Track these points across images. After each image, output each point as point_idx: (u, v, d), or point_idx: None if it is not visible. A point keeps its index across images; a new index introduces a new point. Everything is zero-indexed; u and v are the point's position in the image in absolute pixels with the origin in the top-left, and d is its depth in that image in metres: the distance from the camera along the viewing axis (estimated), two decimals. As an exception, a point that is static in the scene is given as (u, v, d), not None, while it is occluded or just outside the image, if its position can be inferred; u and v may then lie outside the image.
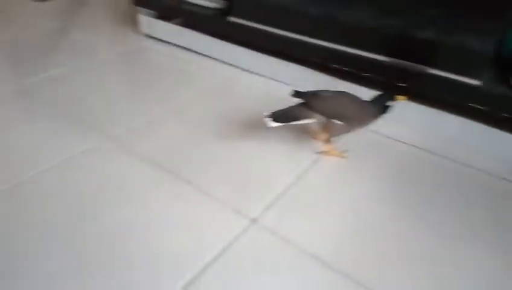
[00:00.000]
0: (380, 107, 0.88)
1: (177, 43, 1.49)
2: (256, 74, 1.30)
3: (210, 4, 1.37)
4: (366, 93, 0.90)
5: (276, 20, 1.20)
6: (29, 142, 0.96)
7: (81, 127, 1.01)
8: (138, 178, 0.85)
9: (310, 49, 1.15)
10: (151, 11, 1.54)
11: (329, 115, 0.86)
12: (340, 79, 1.11)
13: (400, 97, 0.88)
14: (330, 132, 0.90)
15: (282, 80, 1.24)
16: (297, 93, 0.87)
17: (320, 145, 0.93)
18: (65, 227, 0.73)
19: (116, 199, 0.80)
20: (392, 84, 1.02)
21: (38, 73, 1.27)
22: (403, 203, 0.80)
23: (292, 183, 0.84)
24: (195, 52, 1.44)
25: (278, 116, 0.86)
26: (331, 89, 0.91)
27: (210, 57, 1.40)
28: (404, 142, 0.98)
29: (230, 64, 1.35)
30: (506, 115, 0.90)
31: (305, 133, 0.99)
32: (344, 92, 0.90)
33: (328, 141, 0.91)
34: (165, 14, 1.52)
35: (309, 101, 0.87)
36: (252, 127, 1.02)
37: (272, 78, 1.26)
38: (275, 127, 0.85)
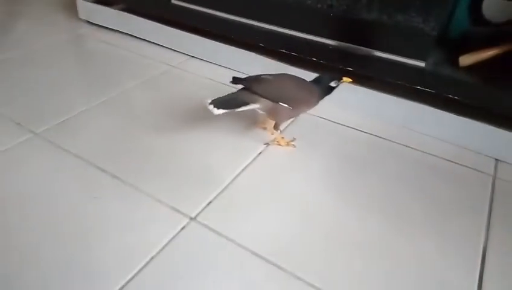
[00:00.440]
0: (324, 88, 0.85)
1: (119, 29, 1.39)
2: (203, 60, 1.23)
3: (151, -14, 1.28)
4: (312, 77, 0.86)
5: (220, 3, 1.14)
6: None
7: (6, 124, 0.91)
8: (68, 177, 0.77)
9: (256, 33, 1.09)
10: (90, -5, 1.43)
11: (275, 99, 0.82)
12: (288, 64, 1.07)
13: (345, 79, 0.85)
14: (277, 117, 0.85)
15: (230, 66, 1.18)
16: (237, 80, 0.82)
17: (268, 135, 0.89)
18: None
19: (42, 200, 0.72)
20: (337, 68, 0.99)
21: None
22: (350, 193, 0.77)
23: (236, 177, 0.79)
24: (138, 38, 1.35)
25: (220, 102, 0.79)
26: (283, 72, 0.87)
27: (154, 43, 1.32)
28: (352, 127, 0.96)
29: (176, 51, 1.28)
30: (452, 96, 0.88)
31: (253, 123, 0.94)
32: (286, 74, 0.86)
33: (276, 129, 0.87)
34: (105, -2, 1.42)
35: (251, 86, 0.82)
36: (196, 118, 0.95)
37: (220, 65, 1.20)
38: (220, 115, 0.78)
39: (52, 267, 0.61)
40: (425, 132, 0.94)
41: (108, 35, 1.38)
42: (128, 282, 0.59)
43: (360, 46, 0.96)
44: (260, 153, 0.86)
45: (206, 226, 0.69)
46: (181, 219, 0.70)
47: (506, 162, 0.86)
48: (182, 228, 0.68)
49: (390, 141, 0.92)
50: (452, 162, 0.86)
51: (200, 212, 0.71)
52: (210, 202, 0.73)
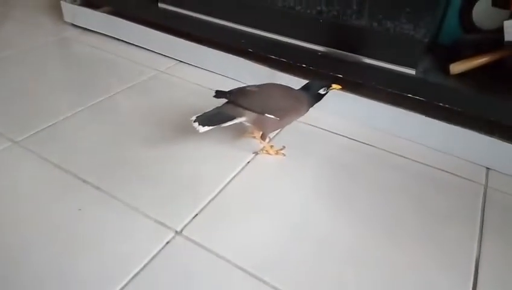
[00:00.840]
0: (313, 95, 0.83)
1: (105, 33, 1.35)
2: (192, 65, 1.21)
3: (138, -11, 1.25)
4: (302, 84, 0.85)
5: (208, 7, 1.12)
6: None
7: (-16, 133, 0.87)
8: (49, 189, 0.74)
9: (244, 39, 1.07)
10: (75, -2, 1.40)
11: (260, 110, 0.80)
12: (277, 70, 1.05)
13: (334, 86, 0.83)
14: (264, 129, 0.83)
15: (218, 71, 1.16)
16: (220, 93, 0.79)
17: (258, 145, 0.87)
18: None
19: (19, 213, 0.69)
20: (327, 75, 0.98)
21: None
22: (340, 202, 0.76)
23: (223, 188, 0.77)
24: (125, 42, 1.32)
25: (204, 119, 0.77)
26: (269, 82, 0.85)
27: (141, 48, 1.29)
28: (342, 135, 0.94)
29: (164, 55, 1.25)
30: (443, 104, 0.87)
31: (242, 132, 0.92)
32: (272, 83, 0.84)
33: (263, 139, 0.85)
34: (91, 1, 1.38)
35: (236, 99, 0.80)
36: (183, 126, 0.93)
37: (209, 70, 1.18)
38: (205, 132, 0.77)
39: (28, 285, 0.58)
40: (416, 140, 0.93)
41: (94, 39, 1.34)
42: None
43: (350, 52, 0.94)
44: (248, 162, 0.84)
45: (191, 240, 0.66)
46: (166, 232, 0.67)
47: (497, 170, 0.86)
48: (167, 243, 0.66)
49: (380, 149, 0.90)
50: (443, 170, 0.85)
51: (186, 226, 0.69)
52: (196, 215, 0.71)
